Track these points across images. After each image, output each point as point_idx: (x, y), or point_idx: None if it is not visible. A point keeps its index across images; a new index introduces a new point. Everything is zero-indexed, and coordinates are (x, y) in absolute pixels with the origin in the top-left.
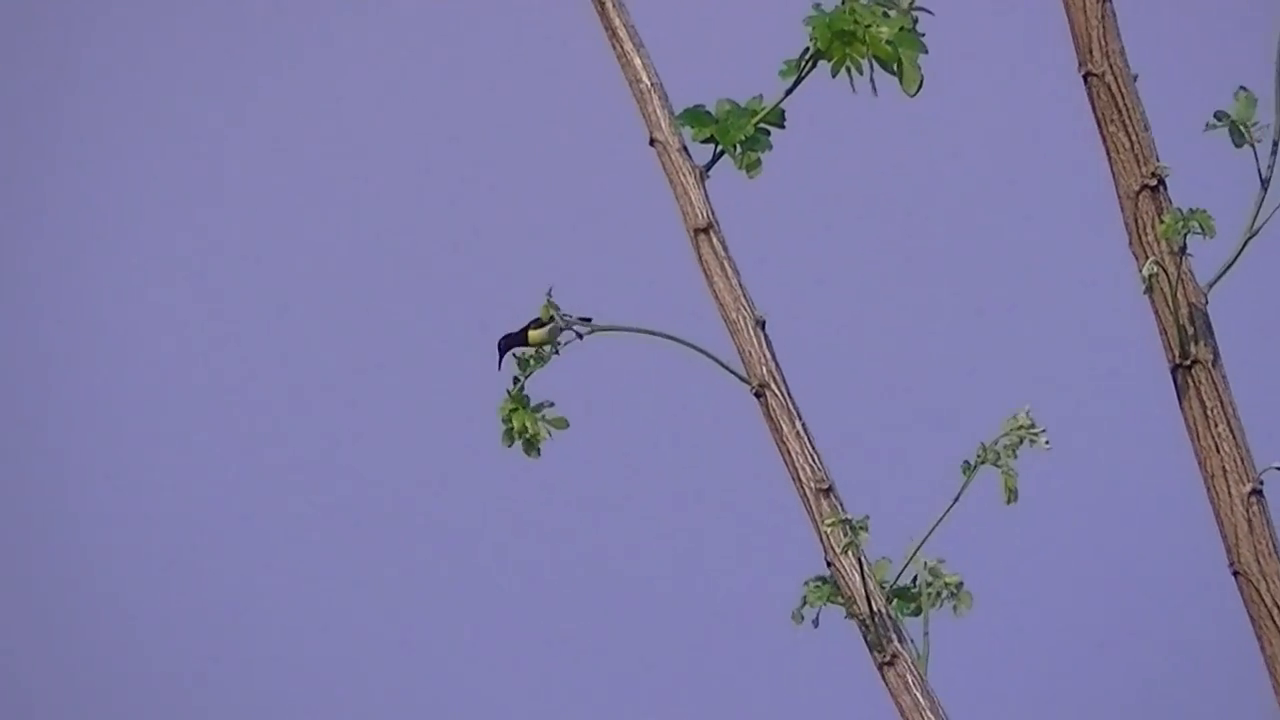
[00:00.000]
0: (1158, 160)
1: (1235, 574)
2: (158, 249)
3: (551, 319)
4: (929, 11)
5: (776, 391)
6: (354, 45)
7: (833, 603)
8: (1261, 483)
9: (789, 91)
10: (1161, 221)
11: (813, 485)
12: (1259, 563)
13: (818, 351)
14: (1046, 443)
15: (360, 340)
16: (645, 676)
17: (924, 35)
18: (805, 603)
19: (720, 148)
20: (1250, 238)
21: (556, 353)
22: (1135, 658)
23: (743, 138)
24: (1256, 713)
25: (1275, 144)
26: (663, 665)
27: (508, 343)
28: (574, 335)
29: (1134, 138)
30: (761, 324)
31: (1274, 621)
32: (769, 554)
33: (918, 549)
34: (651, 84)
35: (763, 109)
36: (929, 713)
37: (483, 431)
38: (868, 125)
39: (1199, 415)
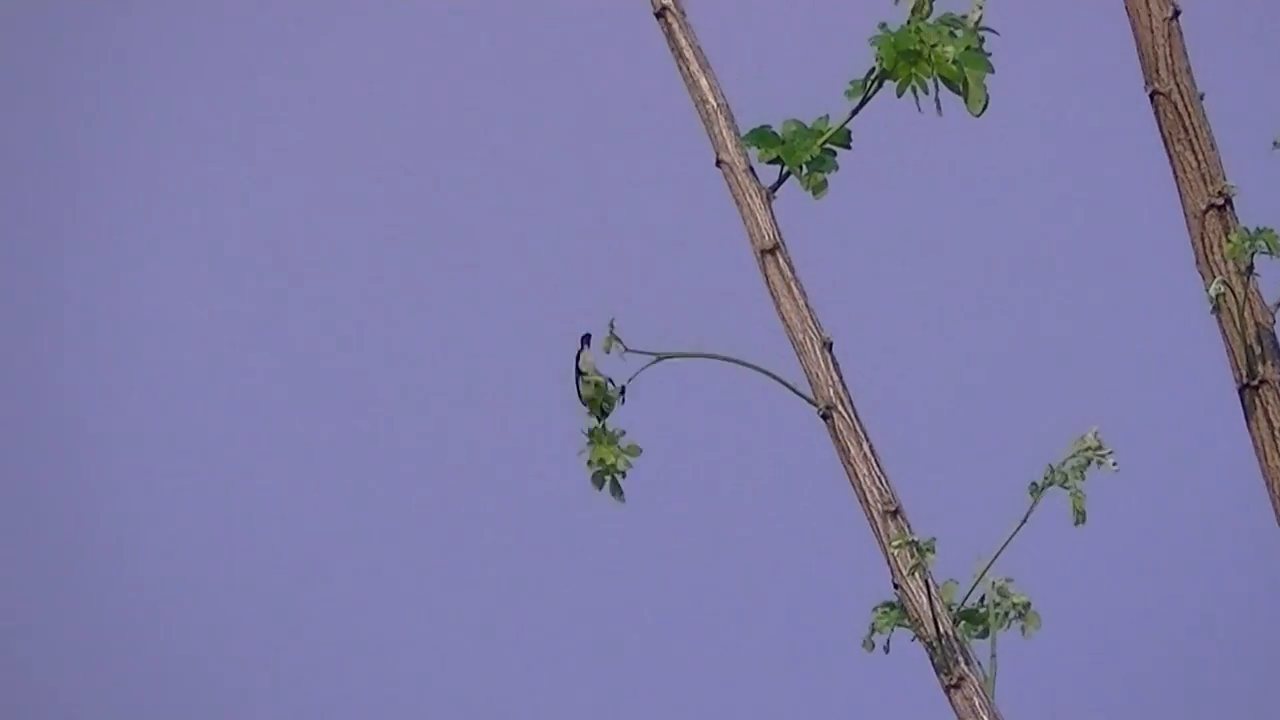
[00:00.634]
0: (1224, 179)
1: None
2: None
3: (584, 373)
4: (995, 31)
5: (844, 413)
6: (425, 69)
7: (900, 626)
8: None
9: (855, 112)
10: (1228, 241)
11: (880, 507)
12: None
13: (884, 373)
14: (1114, 464)
15: (420, 356)
16: (714, 700)
17: (990, 55)
18: (874, 629)
19: (786, 168)
20: None
21: (622, 393)
22: (1205, 680)
23: (809, 158)
24: None
25: None
26: (731, 688)
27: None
28: (641, 366)
29: (1201, 156)
30: (829, 345)
31: None
32: (836, 576)
33: (985, 570)
34: (718, 104)
35: (829, 129)
36: None
37: (554, 462)
38: (933, 145)
39: (1266, 435)
